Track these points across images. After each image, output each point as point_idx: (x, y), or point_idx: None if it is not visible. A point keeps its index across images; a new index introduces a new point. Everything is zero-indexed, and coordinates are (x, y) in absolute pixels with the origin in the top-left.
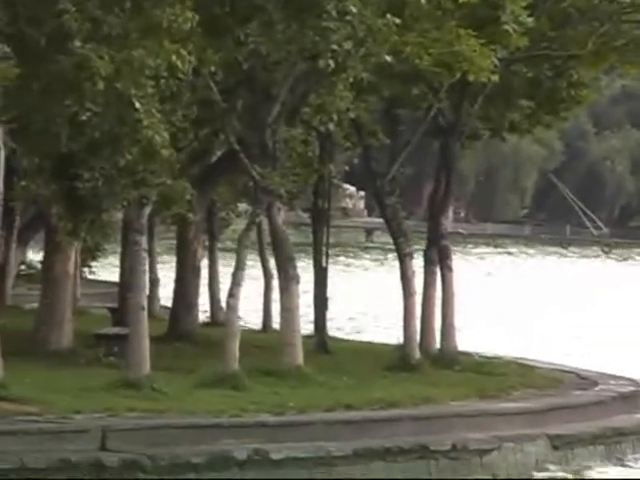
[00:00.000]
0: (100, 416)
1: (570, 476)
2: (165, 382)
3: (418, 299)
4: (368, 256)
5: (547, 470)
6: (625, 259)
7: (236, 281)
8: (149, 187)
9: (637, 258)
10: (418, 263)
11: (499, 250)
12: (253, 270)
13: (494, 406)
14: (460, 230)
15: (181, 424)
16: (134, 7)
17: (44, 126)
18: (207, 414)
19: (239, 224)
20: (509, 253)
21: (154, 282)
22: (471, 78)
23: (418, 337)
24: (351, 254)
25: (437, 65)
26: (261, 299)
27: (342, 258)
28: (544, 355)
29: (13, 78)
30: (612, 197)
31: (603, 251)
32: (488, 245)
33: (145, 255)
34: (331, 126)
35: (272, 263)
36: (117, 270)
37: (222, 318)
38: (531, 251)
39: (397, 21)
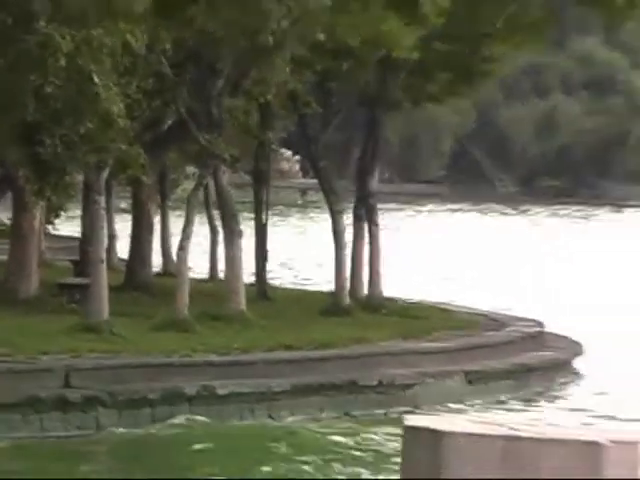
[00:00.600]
0: (64, 357)
1: None
2: (122, 326)
3: (348, 252)
4: (301, 214)
5: (463, 402)
6: (527, 213)
7: (185, 236)
8: (107, 153)
9: (542, 214)
10: (348, 219)
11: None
12: (201, 227)
13: (417, 345)
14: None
15: (137, 363)
16: None
17: (11, 98)
18: (160, 354)
19: (188, 185)
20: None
21: (112, 237)
22: (394, 54)
23: (348, 285)
24: (286, 211)
25: (364, 43)
26: (208, 252)
27: (279, 216)
28: (461, 300)
29: None
30: (519, 160)
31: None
32: (410, 203)
33: (103, 213)
34: (270, 97)
35: (217, 220)
36: (78, 226)
37: (173, 269)
38: (451, 206)
39: (329, 3)
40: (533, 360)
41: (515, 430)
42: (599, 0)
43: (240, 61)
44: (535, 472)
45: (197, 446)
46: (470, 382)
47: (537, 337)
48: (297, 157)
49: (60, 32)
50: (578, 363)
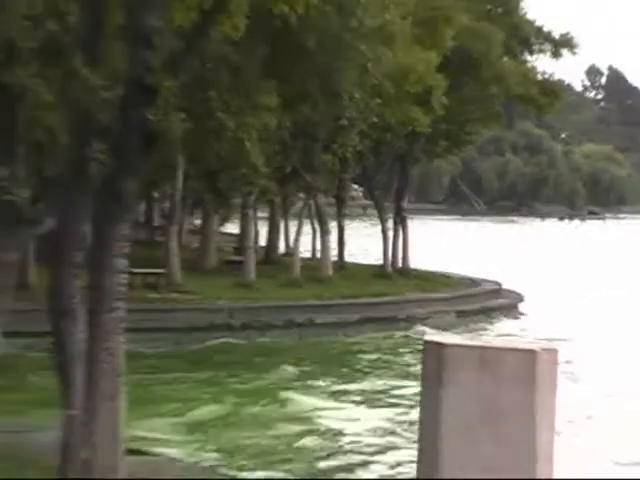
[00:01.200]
0: (229, 301)
1: None
2: (262, 284)
3: (390, 242)
4: (363, 222)
5: (456, 328)
6: (492, 221)
7: (298, 232)
8: (254, 186)
9: (501, 221)
10: (390, 224)
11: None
12: (307, 227)
13: (429, 296)
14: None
15: (270, 305)
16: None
17: (205, 158)
18: (283, 299)
19: (299, 204)
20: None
21: (256, 233)
22: (417, 130)
23: (390, 260)
24: (354, 220)
25: (399, 123)
26: (310, 242)
27: (350, 222)
28: (456, 270)
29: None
30: (487, 190)
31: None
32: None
33: (252, 220)
34: (347, 154)
35: (316, 224)
36: (237, 227)
37: (291, 252)
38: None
39: (379, 101)
40: (495, 304)
41: (488, 342)
42: (532, 101)
43: (330, 134)
44: (499, 370)
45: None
46: (459, 316)
47: (497, 291)
48: (361, 188)
49: (230, 119)
50: (521, 306)
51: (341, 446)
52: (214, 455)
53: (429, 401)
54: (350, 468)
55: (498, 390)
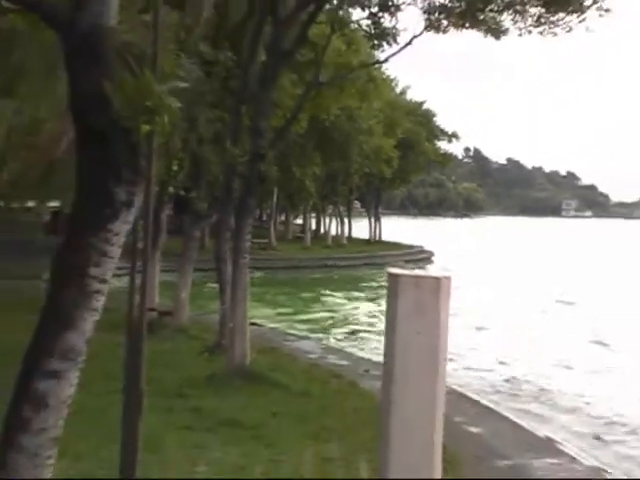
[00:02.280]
0: (297, 254)
1: None
2: (313, 247)
3: (372, 227)
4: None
5: (404, 268)
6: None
7: (329, 223)
8: (309, 201)
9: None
10: (372, 220)
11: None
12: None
13: (392, 252)
14: None
15: (316, 257)
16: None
17: (286, 188)
18: (323, 254)
19: (329, 210)
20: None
21: (310, 224)
22: (385, 176)
23: (373, 236)
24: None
25: (377, 172)
26: (335, 228)
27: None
28: (406, 241)
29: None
30: (420, 203)
31: None
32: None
33: (308, 217)
34: (353, 186)
35: (338, 220)
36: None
37: (327, 233)
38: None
39: (368, 162)
40: (421, 256)
41: (418, 273)
42: (438, 162)
43: (345, 177)
44: (424, 287)
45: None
46: (406, 262)
47: (423, 251)
48: (358, 202)
49: (297, 170)
50: (433, 258)
51: (348, 320)
52: (292, 327)
53: (389, 304)
54: (348, 329)
55: (422, 297)
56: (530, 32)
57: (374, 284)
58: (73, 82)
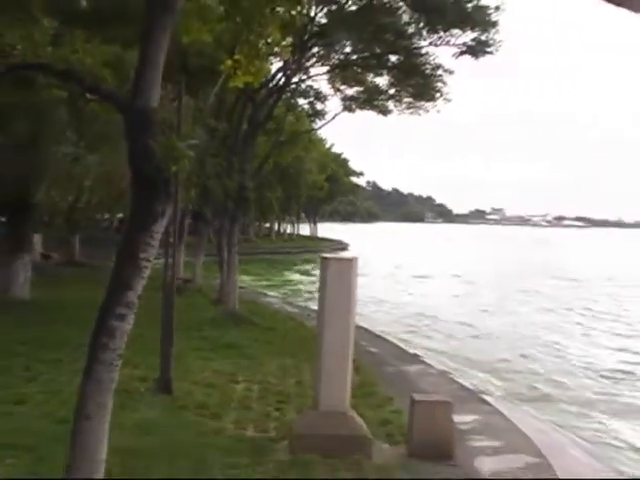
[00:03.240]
0: (271, 245)
1: None
2: (279, 240)
3: (310, 228)
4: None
5: (330, 253)
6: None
7: (284, 225)
8: (272, 213)
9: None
10: (312, 224)
11: None
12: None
13: (323, 243)
14: None
15: (288, 246)
16: None
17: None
18: (284, 245)
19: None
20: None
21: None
22: (320, 197)
23: (311, 233)
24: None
25: (314, 195)
26: (293, 228)
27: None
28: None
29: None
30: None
31: None
32: None
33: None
34: (299, 204)
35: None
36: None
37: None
38: None
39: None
40: (340, 246)
41: (339, 256)
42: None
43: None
44: (343, 266)
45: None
46: (330, 250)
47: (341, 242)
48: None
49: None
50: (348, 247)
51: (296, 284)
52: (263, 288)
53: (321, 274)
54: (296, 288)
55: (341, 269)
56: (404, 112)
57: (313, 264)
58: (131, 143)
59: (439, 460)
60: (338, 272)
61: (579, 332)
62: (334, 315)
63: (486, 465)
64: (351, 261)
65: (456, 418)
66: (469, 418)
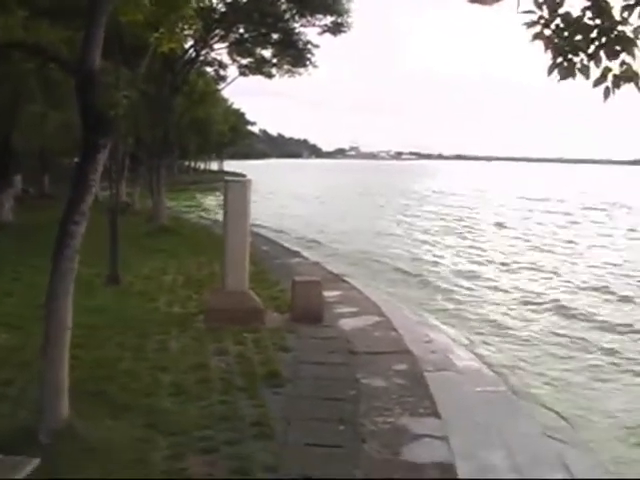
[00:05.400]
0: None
1: None
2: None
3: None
4: None
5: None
6: None
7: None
8: (191, 155)
9: None
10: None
11: None
12: None
13: (225, 176)
14: None
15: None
16: None
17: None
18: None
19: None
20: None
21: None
22: None
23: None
24: None
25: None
26: None
27: None
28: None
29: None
30: None
31: None
32: None
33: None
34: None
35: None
36: None
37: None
38: None
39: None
40: (242, 176)
41: (239, 179)
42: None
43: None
44: (240, 188)
45: None
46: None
47: (241, 174)
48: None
49: None
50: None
51: (207, 205)
52: (184, 208)
53: (225, 194)
54: (208, 206)
55: (240, 190)
56: (285, 75)
57: (219, 191)
58: (80, 96)
59: (314, 323)
60: (237, 191)
61: (405, 231)
62: (234, 222)
63: (347, 324)
64: (246, 183)
65: (325, 293)
66: (334, 293)
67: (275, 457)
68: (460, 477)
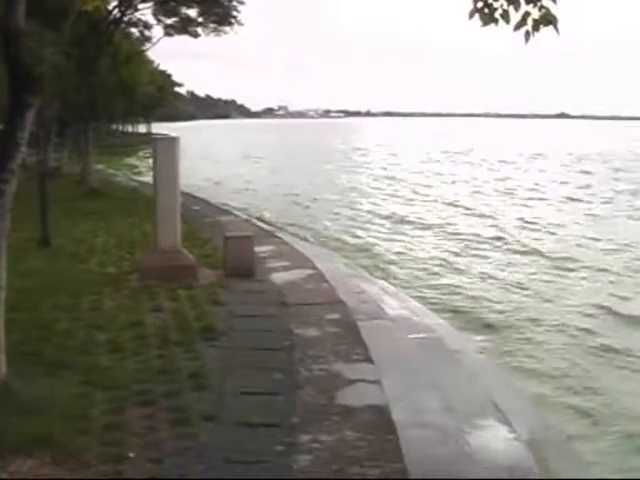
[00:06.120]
0: None
1: None
2: None
3: None
4: None
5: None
6: None
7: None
8: (119, 117)
9: None
10: None
11: None
12: None
13: (152, 136)
14: None
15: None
16: None
17: None
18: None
19: None
20: None
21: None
22: None
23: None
24: None
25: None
26: None
27: None
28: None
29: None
30: None
31: None
32: None
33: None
34: None
35: None
36: None
37: None
38: None
39: None
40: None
41: (168, 136)
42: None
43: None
44: (171, 144)
45: None
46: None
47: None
48: None
49: None
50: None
51: (138, 166)
52: (114, 170)
53: (154, 153)
54: (138, 170)
55: (169, 145)
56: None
57: (148, 152)
58: (7, 53)
59: (246, 277)
60: (165, 147)
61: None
62: (165, 179)
63: (279, 278)
64: (174, 140)
65: (257, 249)
66: (266, 248)
67: (214, 406)
68: (394, 419)
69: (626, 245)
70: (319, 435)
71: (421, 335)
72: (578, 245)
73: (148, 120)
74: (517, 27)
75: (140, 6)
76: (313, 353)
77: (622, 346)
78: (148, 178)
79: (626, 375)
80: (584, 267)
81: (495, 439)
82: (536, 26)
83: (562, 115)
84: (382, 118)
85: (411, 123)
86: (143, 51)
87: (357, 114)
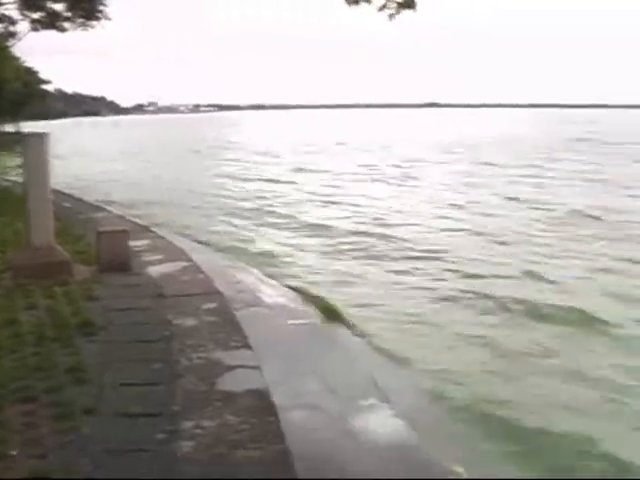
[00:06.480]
0: None
1: None
2: None
3: None
4: None
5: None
6: None
7: None
8: None
9: None
10: None
11: None
12: None
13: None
14: None
15: None
16: None
17: None
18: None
19: None
20: None
21: None
22: None
23: None
24: None
25: None
26: None
27: None
28: None
29: None
30: None
31: None
32: None
33: None
34: None
35: None
36: None
37: None
38: None
39: None
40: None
41: (38, 133)
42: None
43: None
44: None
45: None
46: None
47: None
48: None
49: None
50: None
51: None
52: None
53: (24, 147)
54: (12, 174)
55: (38, 142)
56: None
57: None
58: None
59: (122, 272)
60: (35, 143)
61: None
62: (35, 176)
63: (155, 271)
64: (44, 135)
65: (132, 243)
66: (141, 242)
67: (94, 399)
68: (275, 402)
69: None
70: (201, 421)
71: (300, 321)
72: None
73: (16, 119)
74: (381, 9)
75: (4, 0)
76: (192, 342)
77: None
78: (19, 178)
79: None
80: None
81: (376, 418)
82: (398, 10)
83: (432, 104)
84: (254, 111)
85: (281, 115)
86: (7, 47)
87: (228, 108)
